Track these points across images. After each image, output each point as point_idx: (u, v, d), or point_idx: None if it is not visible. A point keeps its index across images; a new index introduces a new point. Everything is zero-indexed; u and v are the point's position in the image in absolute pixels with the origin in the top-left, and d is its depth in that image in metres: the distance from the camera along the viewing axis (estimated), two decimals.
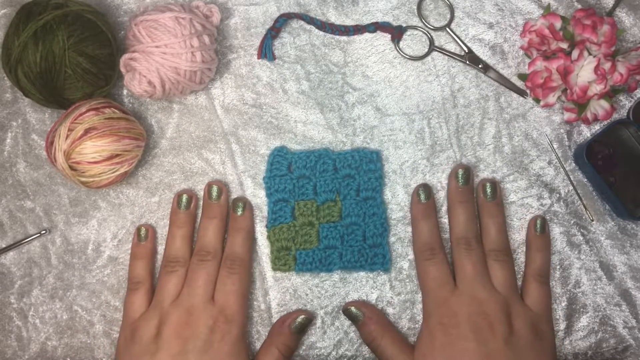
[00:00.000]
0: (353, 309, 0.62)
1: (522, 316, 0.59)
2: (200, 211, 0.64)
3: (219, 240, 0.62)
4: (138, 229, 0.63)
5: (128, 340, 0.59)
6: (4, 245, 0.64)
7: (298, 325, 0.61)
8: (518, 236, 0.64)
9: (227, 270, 0.61)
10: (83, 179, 0.59)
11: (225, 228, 0.63)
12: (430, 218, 0.63)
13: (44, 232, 0.64)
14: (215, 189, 0.63)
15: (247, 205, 0.63)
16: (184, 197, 0.63)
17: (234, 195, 0.65)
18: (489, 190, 0.63)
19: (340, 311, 0.63)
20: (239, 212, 0.63)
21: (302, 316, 0.62)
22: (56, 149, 0.59)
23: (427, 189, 0.63)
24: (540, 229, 0.63)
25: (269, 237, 0.64)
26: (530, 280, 0.62)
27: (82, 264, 0.64)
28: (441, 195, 0.64)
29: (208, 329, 0.58)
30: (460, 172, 0.63)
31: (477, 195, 0.64)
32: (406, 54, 0.66)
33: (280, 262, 0.63)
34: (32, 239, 0.64)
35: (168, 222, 0.64)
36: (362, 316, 0.61)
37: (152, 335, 0.58)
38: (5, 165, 0.65)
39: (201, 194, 0.64)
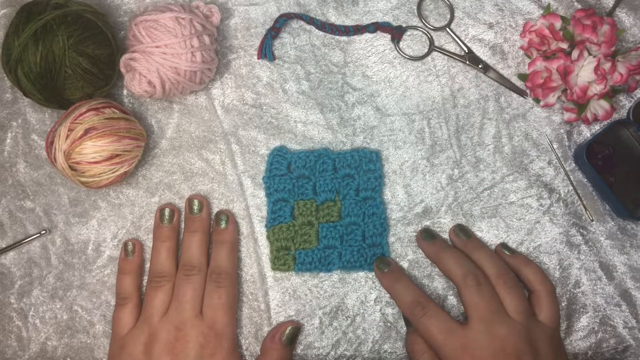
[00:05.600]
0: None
1: (542, 337, 0.58)
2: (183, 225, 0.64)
3: (203, 254, 0.62)
4: (125, 244, 0.63)
5: (117, 357, 0.59)
6: (4, 245, 0.64)
7: (289, 337, 0.61)
8: (517, 236, 0.64)
9: (213, 284, 0.60)
10: (83, 179, 0.59)
11: (209, 241, 0.63)
12: (402, 280, 0.61)
13: (44, 232, 0.64)
14: (196, 203, 0.63)
15: (230, 218, 0.63)
16: (167, 210, 0.63)
17: (233, 198, 0.65)
18: (459, 231, 0.63)
19: (339, 311, 0.63)
20: (222, 225, 0.63)
21: (291, 327, 0.62)
22: (56, 149, 0.59)
23: (384, 260, 0.62)
24: (508, 250, 0.63)
25: (268, 237, 0.64)
26: (537, 296, 0.60)
27: (82, 264, 0.64)
28: (441, 196, 0.64)
29: (199, 345, 0.58)
30: (423, 234, 0.63)
31: (453, 242, 0.63)
32: (406, 54, 0.66)
33: (280, 262, 0.63)
34: (32, 239, 0.64)
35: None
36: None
37: (141, 352, 0.58)
38: (5, 165, 0.65)
39: (200, 194, 0.65)
